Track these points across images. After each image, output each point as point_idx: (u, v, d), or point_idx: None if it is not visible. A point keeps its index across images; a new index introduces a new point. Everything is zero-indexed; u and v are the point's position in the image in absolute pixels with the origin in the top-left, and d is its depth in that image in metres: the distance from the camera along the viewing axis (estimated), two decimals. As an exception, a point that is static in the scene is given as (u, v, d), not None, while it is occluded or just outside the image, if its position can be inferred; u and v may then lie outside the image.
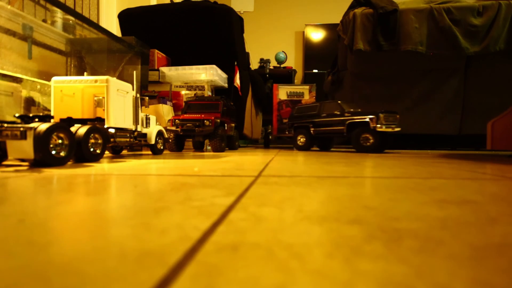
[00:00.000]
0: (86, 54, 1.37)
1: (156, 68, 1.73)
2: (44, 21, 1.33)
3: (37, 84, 1.09)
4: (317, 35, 3.78)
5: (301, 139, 1.60)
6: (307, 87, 1.93)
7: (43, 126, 0.56)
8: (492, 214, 0.23)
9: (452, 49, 1.67)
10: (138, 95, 0.93)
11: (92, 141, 0.71)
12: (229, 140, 1.49)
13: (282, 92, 1.89)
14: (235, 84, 1.73)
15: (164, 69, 1.67)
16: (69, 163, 0.66)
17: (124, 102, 0.84)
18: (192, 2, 1.83)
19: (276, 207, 0.25)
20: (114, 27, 2.26)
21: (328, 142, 1.67)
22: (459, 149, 1.89)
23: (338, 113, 1.42)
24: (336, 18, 3.88)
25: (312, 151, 1.42)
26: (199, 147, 1.47)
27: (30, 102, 1.06)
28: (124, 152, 1.25)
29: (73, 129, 0.66)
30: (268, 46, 4.02)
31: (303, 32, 3.92)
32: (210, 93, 1.71)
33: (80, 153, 0.66)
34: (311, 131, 1.54)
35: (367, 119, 1.28)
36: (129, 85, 0.87)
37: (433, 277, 0.12)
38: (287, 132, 1.71)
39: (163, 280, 0.12)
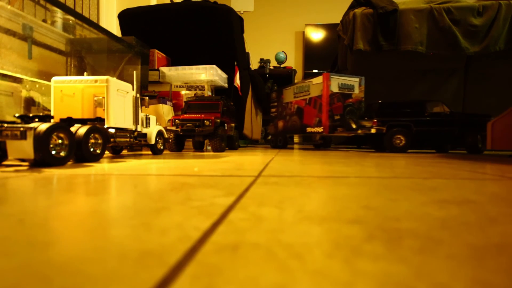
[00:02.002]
0: (86, 54, 1.37)
1: (156, 68, 1.73)
2: (44, 21, 1.33)
3: (37, 84, 1.09)
4: (317, 35, 3.78)
5: (398, 140, 1.45)
6: (357, 79, 1.65)
7: (43, 126, 0.56)
8: (492, 214, 0.23)
9: (452, 49, 1.67)
10: (138, 95, 0.93)
11: (92, 141, 0.71)
12: (229, 140, 1.49)
13: (334, 83, 1.58)
14: (235, 84, 1.73)
15: (164, 69, 1.67)
16: (69, 163, 0.66)
17: (124, 102, 0.84)
18: (192, 2, 1.83)
19: (276, 207, 0.25)
20: (114, 27, 2.26)
21: (438, 142, 1.53)
22: (459, 149, 1.89)
23: (444, 113, 1.39)
24: (336, 18, 3.87)
25: (312, 151, 1.42)
26: (199, 147, 1.47)
27: (30, 102, 1.06)
28: (124, 152, 1.25)
29: (73, 129, 0.66)
30: (268, 46, 4.02)
31: (303, 32, 3.92)
32: (210, 93, 1.71)
33: (80, 153, 0.66)
34: (413, 131, 1.41)
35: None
36: (129, 85, 0.87)
37: (433, 277, 0.12)
38: (339, 130, 1.53)
39: (163, 280, 0.12)
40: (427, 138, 1.48)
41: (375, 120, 1.49)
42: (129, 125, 0.88)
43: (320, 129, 1.57)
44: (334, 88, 1.57)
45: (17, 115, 0.62)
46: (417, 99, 1.49)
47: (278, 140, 1.97)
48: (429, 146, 1.55)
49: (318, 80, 1.58)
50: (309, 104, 1.68)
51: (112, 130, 0.79)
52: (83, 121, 0.79)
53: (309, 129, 1.67)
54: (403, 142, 1.45)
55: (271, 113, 2.10)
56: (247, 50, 2.21)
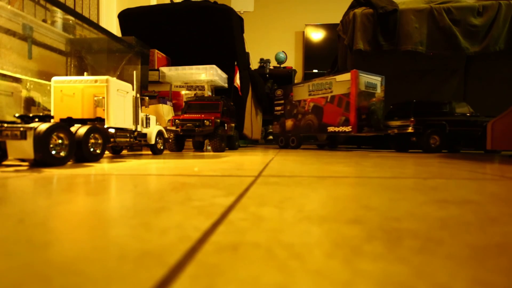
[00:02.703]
0: (86, 54, 1.37)
1: (156, 68, 1.73)
2: (44, 21, 1.33)
3: (37, 84, 1.09)
4: (317, 35, 3.78)
5: (433, 140, 1.43)
6: (379, 78, 1.58)
7: (43, 126, 0.56)
8: (492, 214, 0.23)
9: (452, 49, 1.67)
10: (138, 95, 0.93)
11: (92, 141, 0.71)
12: (229, 140, 1.49)
13: (361, 82, 1.51)
14: (235, 84, 1.73)
15: (164, 69, 1.67)
16: (69, 163, 0.66)
17: (124, 102, 0.84)
18: (192, 2, 1.83)
19: (276, 207, 0.25)
20: (114, 27, 2.26)
21: (457, 142, 1.52)
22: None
23: (468, 113, 1.39)
24: (336, 18, 3.87)
25: (313, 151, 1.42)
26: (199, 147, 1.47)
27: (30, 102, 1.06)
28: (124, 152, 1.25)
29: (73, 129, 0.66)
30: (268, 46, 4.02)
31: (303, 32, 3.92)
32: (210, 93, 1.71)
33: (80, 153, 0.66)
34: (446, 131, 1.40)
35: None
36: (129, 85, 0.87)
37: (433, 277, 0.12)
38: (365, 129, 1.49)
39: (163, 280, 0.12)
40: (454, 138, 1.48)
41: (412, 119, 1.45)
42: (129, 125, 0.88)
43: (347, 129, 1.52)
44: (361, 87, 1.53)
45: (17, 115, 0.62)
46: (445, 100, 1.48)
47: (290, 140, 1.85)
48: (448, 147, 1.54)
49: (345, 77, 1.54)
50: (331, 102, 1.61)
51: (112, 130, 0.79)
52: (83, 121, 0.79)
53: (331, 129, 1.61)
54: (437, 142, 1.43)
55: (275, 111, 1.98)
56: (247, 50, 2.21)
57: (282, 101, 1.93)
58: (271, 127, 3.78)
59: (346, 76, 1.53)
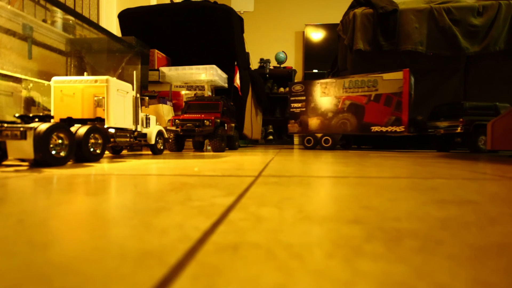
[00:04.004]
0: (86, 54, 1.37)
1: (156, 68, 1.73)
2: (44, 21, 1.33)
3: (38, 84, 1.09)
4: (317, 35, 3.78)
5: (481, 141, 1.42)
6: (412, 78, 1.56)
7: (43, 126, 0.56)
8: (492, 214, 0.23)
9: (452, 49, 1.67)
10: (138, 95, 0.93)
11: (92, 141, 0.71)
12: (229, 140, 1.49)
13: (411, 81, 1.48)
14: (235, 84, 1.73)
15: (164, 69, 1.67)
16: (69, 163, 0.66)
17: (124, 102, 0.84)
18: (192, 2, 1.83)
19: (276, 207, 0.25)
20: (114, 27, 2.26)
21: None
22: (459, 149, 1.89)
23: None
24: (336, 18, 3.88)
25: (313, 151, 1.42)
26: (199, 147, 1.47)
27: (30, 102, 1.06)
28: (124, 152, 1.25)
29: (73, 129, 0.66)
30: (268, 46, 4.02)
31: (303, 32, 3.92)
32: (210, 93, 1.71)
33: (80, 153, 0.66)
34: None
35: None
36: (129, 85, 0.87)
37: (433, 277, 0.12)
38: (411, 129, 1.46)
39: (163, 280, 0.12)
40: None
41: (462, 120, 1.43)
42: (129, 125, 0.88)
43: (399, 129, 1.49)
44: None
45: (17, 115, 0.62)
46: (491, 102, 1.47)
47: (323, 140, 1.72)
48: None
49: (394, 76, 1.51)
50: (375, 101, 1.56)
51: (112, 130, 0.79)
52: (83, 121, 0.79)
53: (376, 128, 1.56)
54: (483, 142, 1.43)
55: (292, 108, 1.80)
56: (247, 50, 2.20)
57: (303, 98, 1.76)
58: (271, 127, 3.78)
59: (397, 75, 1.50)
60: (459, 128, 1.43)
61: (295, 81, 3.90)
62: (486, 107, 1.45)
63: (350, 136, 1.84)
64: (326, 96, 1.69)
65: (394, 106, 1.51)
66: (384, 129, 1.54)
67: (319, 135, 1.72)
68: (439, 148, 1.63)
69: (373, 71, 1.68)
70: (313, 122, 1.74)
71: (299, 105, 1.78)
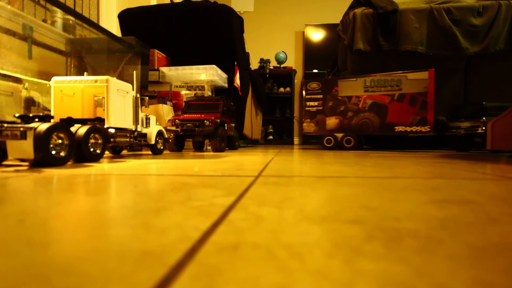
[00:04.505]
0: (86, 54, 1.37)
1: (156, 68, 1.73)
2: (44, 21, 1.33)
3: (37, 84, 1.09)
4: (317, 35, 3.78)
5: None
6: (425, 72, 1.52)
7: (43, 126, 0.56)
8: (492, 214, 0.23)
9: (452, 49, 1.67)
10: (138, 95, 0.93)
11: (92, 141, 0.71)
12: (229, 140, 1.49)
13: None
14: (235, 84, 1.73)
15: (164, 69, 1.67)
16: (69, 163, 0.66)
17: (124, 102, 0.84)
18: (192, 2, 1.83)
19: (276, 207, 0.25)
20: (114, 27, 2.26)
21: None
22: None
23: None
24: (336, 18, 3.87)
25: (313, 151, 1.42)
26: (199, 147, 1.47)
27: (30, 102, 1.06)
28: (124, 152, 1.25)
29: (73, 129, 0.66)
30: (268, 46, 4.02)
31: (303, 32, 3.92)
32: (210, 93, 1.71)
33: (80, 153, 0.66)
34: None
35: None
36: (129, 85, 0.87)
37: (433, 277, 0.12)
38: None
39: (163, 280, 0.12)
40: None
41: (483, 120, 1.42)
42: (129, 125, 0.88)
43: (424, 129, 1.48)
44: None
45: (17, 115, 0.62)
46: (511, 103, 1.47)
47: (344, 141, 1.64)
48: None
49: (420, 75, 1.50)
50: (399, 100, 1.54)
51: (112, 130, 0.79)
52: (83, 121, 0.79)
53: (400, 128, 1.54)
54: None
55: (307, 107, 1.72)
56: (247, 50, 2.20)
57: (320, 96, 1.69)
58: (271, 127, 3.78)
59: (422, 75, 1.49)
60: (480, 128, 1.43)
61: (295, 81, 3.90)
62: (506, 107, 1.45)
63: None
64: (346, 94, 1.64)
65: (419, 106, 1.50)
66: (408, 129, 1.52)
67: (339, 135, 1.67)
68: (458, 148, 1.62)
69: (373, 72, 1.68)
70: (331, 121, 1.68)
71: (316, 103, 1.72)
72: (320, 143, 2.14)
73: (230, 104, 1.50)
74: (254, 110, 2.34)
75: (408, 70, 1.75)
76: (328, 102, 1.69)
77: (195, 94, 1.66)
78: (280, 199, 0.28)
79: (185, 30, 1.86)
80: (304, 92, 1.75)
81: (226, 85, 1.81)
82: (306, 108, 1.74)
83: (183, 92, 1.62)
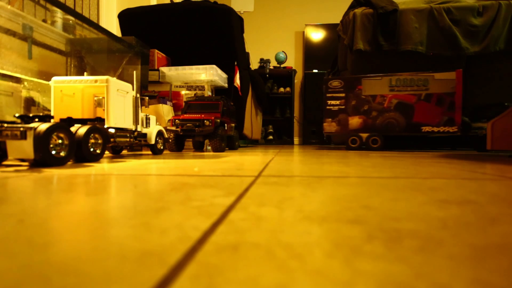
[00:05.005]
0: (86, 54, 1.37)
1: (156, 68, 1.73)
2: (44, 21, 1.33)
3: (37, 84, 1.09)
4: (317, 35, 3.78)
5: None
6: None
7: (43, 126, 0.56)
8: (492, 214, 0.23)
9: (452, 49, 1.67)
10: (138, 95, 0.93)
11: (92, 141, 0.71)
12: (229, 140, 1.49)
13: None
14: (235, 84, 1.73)
15: (164, 69, 1.67)
16: (69, 163, 0.66)
17: (124, 102, 0.84)
18: (192, 2, 1.83)
19: (276, 207, 0.25)
20: (114, 27, 2.26)
21: None
22: (459, 149, 1.89)
23: None
24: (336, 18, 3.88)
25: (311, 151, 1.42)
26: (199, 147, 1.47)
27: (30, 102, 1.06)
28: (124, 152, 1.25)
29: (73, 129, 0.66)
30: (268, 46, 4.02)
31: (303, 32, 3.92)
32: (210, 93, 1.71)
33: (80, 153, 0.66)
34: None
35: None
36: (129, 85, 0.87)
37: (433, 277, 0.12)
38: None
39: (163, 280, 0.12)
40: None
41: None
42: (129, 125, 0.88)
43: (452, 129, 1.47)
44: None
45: (17, 115, 0.62)
46: None
47: (370, 141, 1.60)
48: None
49: (447, 76, 1.50)
50: (426, 100, 1.52)
51: (112, 130, 0.79)
52: (83, 121, 0.79)
53: (427, 128, 1.52)
54: None
55: (329, 106, 1.66)
56: (247, 50, 2.20)
57: (342, 95, 1.63)
58: (271, 127, 3.78)
59: (449, 75, 1.48)
60: None
61: (295, 81, 3.90)
62: None
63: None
64: (370, 93, 1.61)
65: (446, 106, 1.49)
66: (435, 129, 1.51)
67: (364, 135, 1.62)
68: (479, 148, 1.62)
69: (373, 72, 1.68)
70: (354, 121, 1.63)
71: (337, 102, 1.65)
72: (319, 143, 2.12)
73: (230, 104, 1.50)
74: (254, 110, 2.34)
75: (408, 69, 1.76)
76: (351, 101, 1.63)
77: (195, 94, 1.66)
78: (280, 199, 0.28)
79: (185, 30, 1.86)
80: (324, 90, 1.69)
81: (226, 85, 1.81)
82: (327, 107, 1.67)
83: (183, 92, 1.62)
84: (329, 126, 1.68)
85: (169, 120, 1.27)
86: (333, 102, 1.67)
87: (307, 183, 0.38)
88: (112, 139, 0.79)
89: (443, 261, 0.14)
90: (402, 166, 0.64)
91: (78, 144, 0.65)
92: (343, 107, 1.65)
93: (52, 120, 0.64)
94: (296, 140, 3.96)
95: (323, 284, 0.12)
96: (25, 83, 1.05)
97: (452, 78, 1.49)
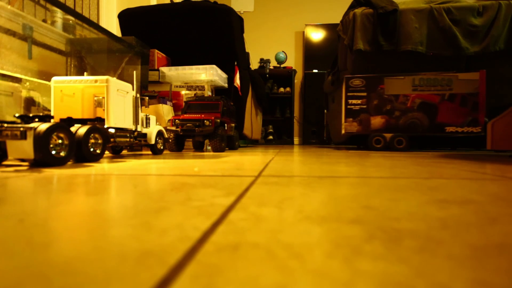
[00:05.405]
0: (86, 54, 1.37)
1: (156, 68, 1.73)
2: (44, 21, 1.33)
3: (37, 84, 1.09)
4: (317, 35, 3.78)
5: None
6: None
7: (43, 126, 0.56)
8: (492, 214, 0.23)
9: (452, 49, 1.67)
10: (138, 95, 0.93)
11: (92, 141, 0.71)
12: (229, 140, 1.49)
13: None
14: (235, 84, 1.73)
15: (164, 69, 1.67)
16: (69, 163, 0.66)
17: (124, 102, 0.84)
18: (192, 2, 1.83)
19: (276, 207, 0.25)
20: (114, 27, 2.26)
21: None
22: (459, 149, 1.89)
23: None
24: (336, 18, 3.88)
25: (311, 151, 1.42)
26: (199, 147, 1.47)
27: (30, 102, 1.06)
28: (124, 152, 1.25)
29: (73, 129, 0.66)
30: (268, 46, 4.02)
31: (303, 32, 3.93)
32: (210, 93, 1.71)
33: (80, 153, 0.66)
34: None
35: None
36: (129, 85, 0.87)
37: (433, 277, 0.12)
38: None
39: (163, 280, 0.12)
40: None
41: None
42: (129, 125, 0.88)
43: (475, 129, 1.47)
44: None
45: (17, 115, 0.62)
46: None
47: (395, 141, 1.57)
48: None
49: (470, 76, 1.49)
50: (450, 100, 1.51)
51: (112, 130, 0.79)
52: (83, 121, 0.79)
53: (451, 129, 1.52)
54: None
55: (349, 105, 1.62)
56: (247, 50, 2.20)
57: (364, 94, 1.60)
58: (271, 127, 3.78)
59: (473, 75, 1.48)
60: None
61: (295, 81, 3.90)
62: None
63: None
64: (393, 93, 1.58)
65: (470, 107, 1.49)
66: (459, 129, 1.50)
67: (388, 135, 1.59)
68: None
69: (373, 72, 1.68)
70: (377, 121, 1.60)
71: (359, 101, 1.62)
72: (319, 143, 2.12)
73: (230, 104, 1.50)
74: (254, 110, 2.34)
75: (408, 70, 1.76)
76: (372, 100, 1.60)
77: (195, 94, 1.66)
78: (280, 199, 0.28)
79: (185, 30, 1.86)
80: (344, 89, 1.66)
81: (226, 85, 1.81)
82: (348, 107, 1.63)
83: (183, 92, 1.62)
84: (350, 125, 1.64)
85: (169, 120, 1.27)
86: (354, 101, 1.63)
87: (307, 183, 0.38)
88: (112, 139, 0.79)
89: (443, 261, 0.14)
90: (402, 166, 0.64)
91: (78, 144, 0.65)
92: (364, 106, 1.61)
93: (52, 120, 0.64)
94: (296, 140, 3.96)
95: (323, 284, 0.12)
96: (28, 83, 1.05)
97: (476, 79, 1.48)
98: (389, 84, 1.60)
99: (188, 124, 1.22)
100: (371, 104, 1.62)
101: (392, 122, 1.60)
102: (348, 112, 1.64)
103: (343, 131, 1.67)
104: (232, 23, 1.80)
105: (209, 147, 1.49)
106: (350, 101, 1.64)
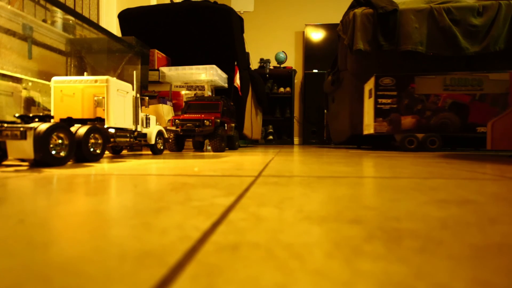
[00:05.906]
0: (86, 54, 1.37)
1: (156, 68, 1.73)
2: (44, 21, 1.33)
3: (37, 84, 1.09)
4: (317, 35, 3.78)
5: None
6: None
7: (43, 126, 0.56)
8: (492, 214, 0.23)
9: (452, 49, 1.67)
10: (138, 95, 0.93)
11: (92, 141, 0.71)
12: (229, 140, 1.49)
13: None
14: (235, 84, 1.73)
15: (164, 69, 1.67)
16: (69, 163, 0.66)
17: (124, 102, 0.84)
18: (192, 2, 1.83)
19: (276, 207, 0.25)
20: (114, 27, 2.26)
21: None
22: (459, 149, 1.89)
23: None
24: (336, 18, 3.88)
25: (311, 151, 1.42)
26: (199, 147, 1.47)
27: (30, 102, 1.06)
28: (124, 152, 1.25)
29: (73, 129, 0.66)
30: (268, 46, 4.02)
31: (303, 32, 3.93)
32: (210, 93, 1.71)
33: (80, 153, 0.66)
34: None
35: None
36: (129, 85, 0.87)
37: (433, 277, 0.12)
38: None
39: (163, 280, 0.12)
40: None
41: None
42: (129, 125, 0.88)
43: None
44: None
45: (17, 115, 0.62)
46: None
47: (428, 141, 1.55)
48: None
49: (500, 76, 1.48)
50: (481, 100, 1.50)
51: (112, 130, 0.79)
52: (83, 121, 0.79)
53: (482, 129, 1.50)
54: None
55: (379, 104, 1.58)
56: (247, 50, 2.20)
57: (394, 93, 1.58)
58: (271, 127, 3.78)
59: (503, 76, 1.46)
60: None
61: (295, 81, 3.90)
62: None
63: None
64: (424, 92, 1.55)
65: (501, 107, 1.48)
66: None
67: (420, 135, 1.56)
68: None
69: (373, 72, 1.68)
70: (407, 121, 1.57)
71: (389, 101, 1.58)
72: (319, 143, 2.11)
73: (230, 104, 1.50)
74: (254, 110, 2.34)
75: (408, 69, 1.76)
76: (403, 100, 1.57)
77: (195, 94, 1.66)
78: (280, 199, 0.28)
79: (185, 30, 1.86)
80: (374, 88, 1.61)
81: (226, 85, 1.81)
82: (378, 106, 1.59)
83: (183, 92, 1.62)
84: (380, 126, 1.60)
85: (169, 120, 1.27)
86: (384, 100, 1.59)
87: (307, 183, 0.38)
88: (112, 139, 0.79)
89: (443, 261, 0.14)
90: (402, 166, 0.64)
91: (78, 144, 0.65)
92: (395, 106, 1.58)
93: (52, 120, 0.64)
94: (296, 140, 3.96)
95: (323, 284, 0.12)
96: (29, 83, 1.05)
97: (506, 79, 1.47)
98: (420, 83, 1.57)
99: (188, 124, 1.22)
100: (402, 104, 1.58)
101: (423, 122, 1.57)
102: (378, 111, 1.59)
103: (372, 131, 1.63)
104: (232, 23, 1.80)
105: (209, 147, 1.49)
106: (380, 100, 1.59)
